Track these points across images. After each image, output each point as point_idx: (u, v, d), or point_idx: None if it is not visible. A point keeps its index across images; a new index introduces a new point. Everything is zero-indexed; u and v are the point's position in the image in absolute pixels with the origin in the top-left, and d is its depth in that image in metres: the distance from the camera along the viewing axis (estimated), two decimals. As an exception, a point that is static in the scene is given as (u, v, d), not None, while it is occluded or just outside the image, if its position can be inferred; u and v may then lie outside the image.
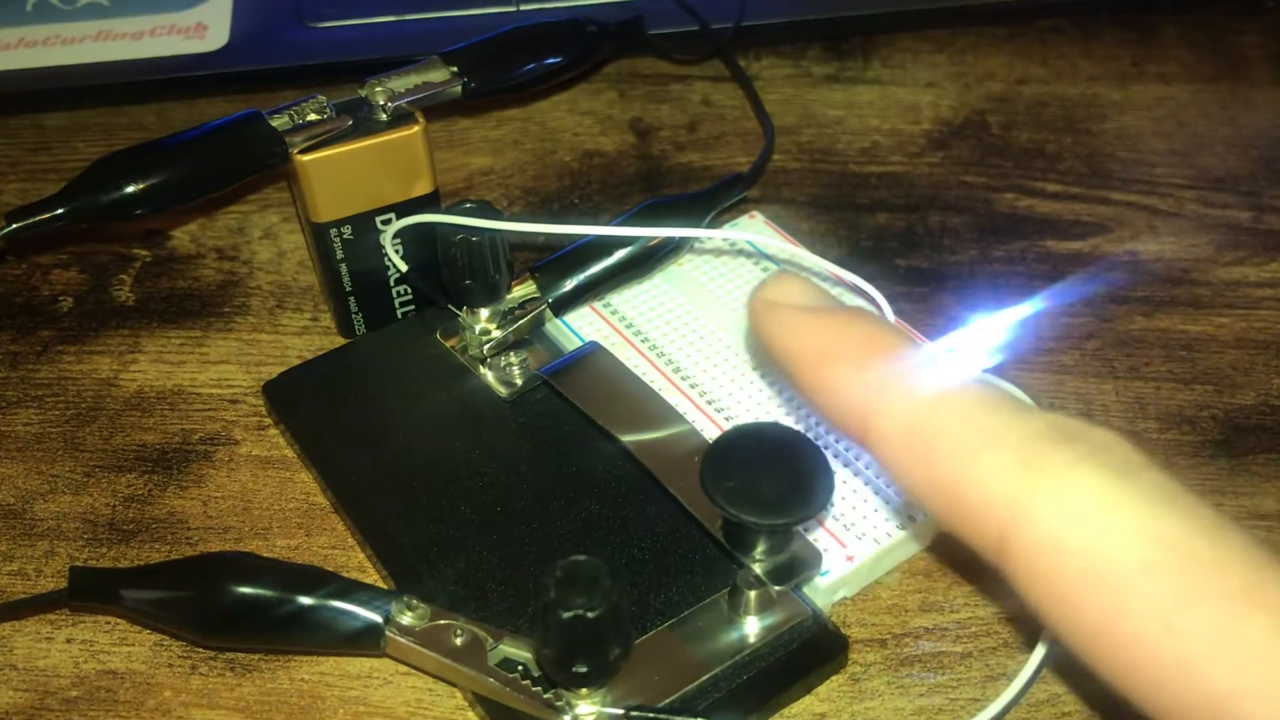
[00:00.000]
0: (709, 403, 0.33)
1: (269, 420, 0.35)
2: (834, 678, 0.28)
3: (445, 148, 0.44)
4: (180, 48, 0.45)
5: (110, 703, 0.28)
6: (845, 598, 0.30)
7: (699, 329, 0.35)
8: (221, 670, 0.29)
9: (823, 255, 0.37)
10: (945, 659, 0.29)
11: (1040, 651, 0.27)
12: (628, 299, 0.36)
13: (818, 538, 0.29)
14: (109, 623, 0.30)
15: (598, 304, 0.35)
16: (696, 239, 0.37)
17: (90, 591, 0.28)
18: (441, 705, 0.28)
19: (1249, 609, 0.16)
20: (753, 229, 0.38)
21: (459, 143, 0.44)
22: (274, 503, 0.33)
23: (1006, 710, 0.27)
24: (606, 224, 0.35)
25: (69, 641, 0.30)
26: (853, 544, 0.29)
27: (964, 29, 0.49)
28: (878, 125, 0.45)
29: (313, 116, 0.33)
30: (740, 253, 0.37)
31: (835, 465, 0.29)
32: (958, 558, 0.31)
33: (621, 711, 0.26)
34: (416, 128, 0.33)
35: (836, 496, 0.30)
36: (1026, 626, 0.29)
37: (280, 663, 0.29)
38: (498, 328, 0.34)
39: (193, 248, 0.41)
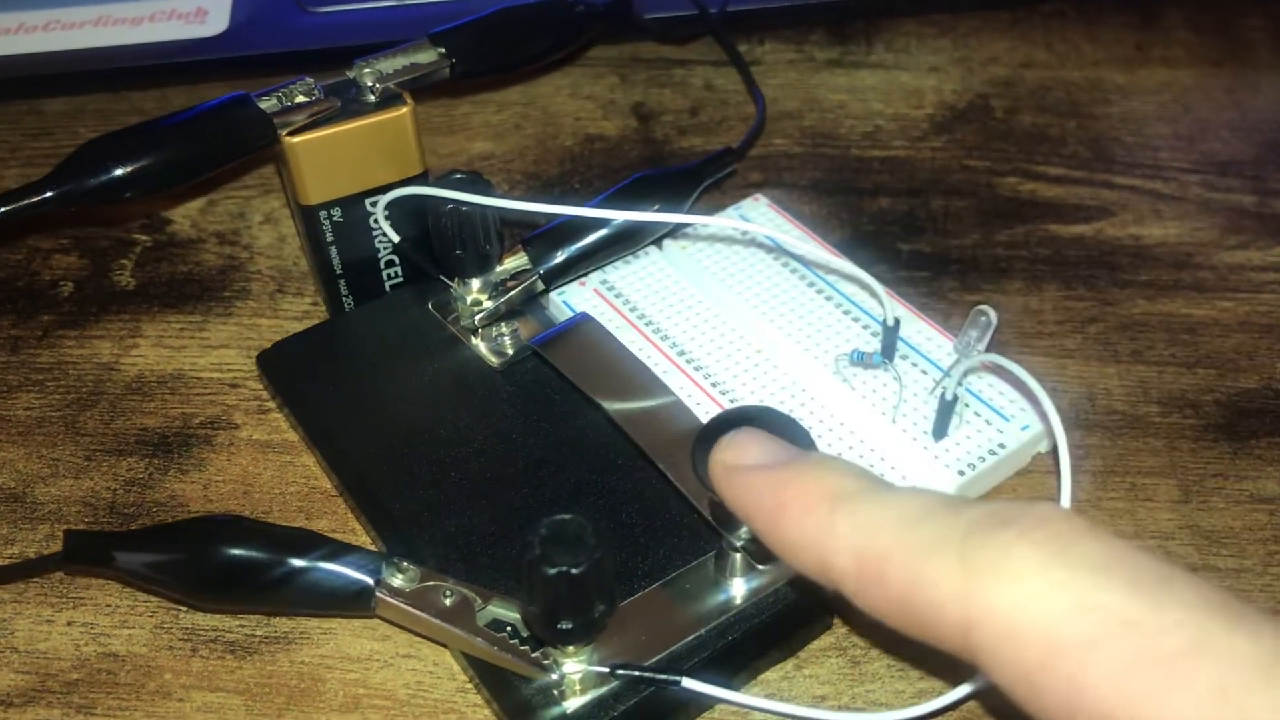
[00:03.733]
0: (713, 384, 0.33)
1: (270, 404, 0.35)
2: (835, 660, 0.28)
3: (446, 132, 0.44)
4: (180, 33, 0.45)
5: (111, 685, 0.28)
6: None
7: (700, 309, 0.35)
8: (222, 653, 0.29)
9: (824, 239, 0.37)
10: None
11: None
12: (628, 279, 0.36)
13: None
14: (110, 605, 0.30)
15: (599, 285, 0.35)
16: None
17: (84, 554, 0.28)
18: (442, 688, 0.28)
19: (1194, 665, 0.16)
20: (756, 212, 0.38)
21: (460, 127, 0.44)
22: (274, 486, 0.33)
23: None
24: (601, 199, 0.35)
25: (69, 624, 0.30)
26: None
27: (968, 13, 0.49)
28: (880, 109, 0.45)
29: (301, 99, 0.33)
30: (743, 234, 0.37)
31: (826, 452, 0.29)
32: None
33: (607, 669, 0.26)
34: (405, 109, 0.33)
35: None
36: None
37: (280, 645, 0.29)
38: (489, 298, 0.34)
39: (193, 232, 0.41)
